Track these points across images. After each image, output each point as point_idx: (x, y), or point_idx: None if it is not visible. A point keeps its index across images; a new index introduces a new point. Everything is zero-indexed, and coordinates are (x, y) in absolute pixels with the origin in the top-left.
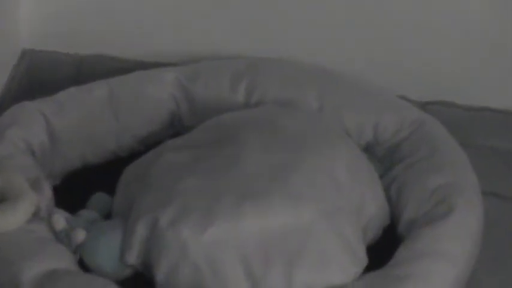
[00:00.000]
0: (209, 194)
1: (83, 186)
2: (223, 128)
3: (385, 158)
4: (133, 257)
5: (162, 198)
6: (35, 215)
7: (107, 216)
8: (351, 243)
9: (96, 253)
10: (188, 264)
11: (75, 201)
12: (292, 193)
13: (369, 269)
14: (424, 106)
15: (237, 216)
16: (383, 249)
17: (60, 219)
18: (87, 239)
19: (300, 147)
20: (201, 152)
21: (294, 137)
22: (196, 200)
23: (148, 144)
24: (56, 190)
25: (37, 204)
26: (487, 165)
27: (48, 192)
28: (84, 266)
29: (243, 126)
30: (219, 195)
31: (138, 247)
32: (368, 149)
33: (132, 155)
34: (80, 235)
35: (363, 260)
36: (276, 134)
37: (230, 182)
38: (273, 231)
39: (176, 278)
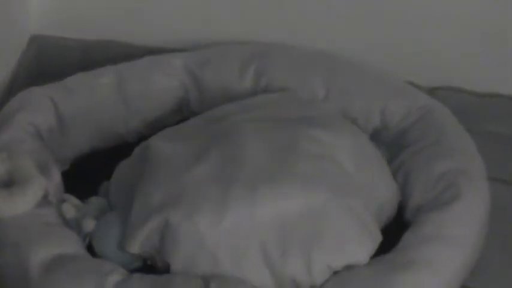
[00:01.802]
0: (220, 182)
1: (92, 171)
2: (217, 120)
3: (393, 144)
4: (135, 248)
5: (171, 189)
6: (44, 200)
7: None
8: (364, 220)
9: (105, 246)
10: (206, 254)
11: (84, 186)
12: (301, 178)
13: (375, 254)
14: (431, 92)
15: (252, 203)
16: (390, 234)
17: (70, 208)
18: (96, 230)
19: (301, 135)
20: (200, 143)
21: (293, 125)
22: (208, 190)
23: (157, 128)
24: (65, 175)
25: (46, 189)
26: (494, 151)
27: (56, 177)
28: (94, 251)
29: (240, 117)
30: (230, 183)
31: (146, 238)
32: (375, 135)
33: (141, 140)
34: (89, 225)
35: (378, 236)
36: (275, 122)
37: (239, 170)
38: (287, 216)
39: (193, 268)
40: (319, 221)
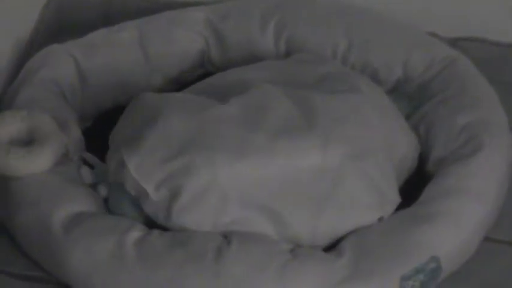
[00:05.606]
0: (242, 125)
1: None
2: (230, 80)
3: (415, 96)
4: (150, 182)
5: (192, 126)
6: (64, 157)
7: None
8: (379, 185)
9: (120, 211)
10: (217, 191)
11: (106, 142)
12: (321, 136)
13: (397, 208)
14: (453, 42)
15: (271, 153)
16: (411, 187)
17: (87, 173)
18: (110, 197)
19: (323, 90)
20: (216, 96)
21: (312, 84)
22: (230, 129)
23: (179, 83)
24: (88, 132)
25: (66, 146)
26: None
27: (77, 134)
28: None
29: (255, 75)
30: (253, 128)
31: (165, 175)
32: (398, 87)
33: None
34: (103, 191)
35: (394, 200)
36: (292, 82)
37: (261, 118)
38: (301, 172)
39: (199, 207)
40: (331, 182)
